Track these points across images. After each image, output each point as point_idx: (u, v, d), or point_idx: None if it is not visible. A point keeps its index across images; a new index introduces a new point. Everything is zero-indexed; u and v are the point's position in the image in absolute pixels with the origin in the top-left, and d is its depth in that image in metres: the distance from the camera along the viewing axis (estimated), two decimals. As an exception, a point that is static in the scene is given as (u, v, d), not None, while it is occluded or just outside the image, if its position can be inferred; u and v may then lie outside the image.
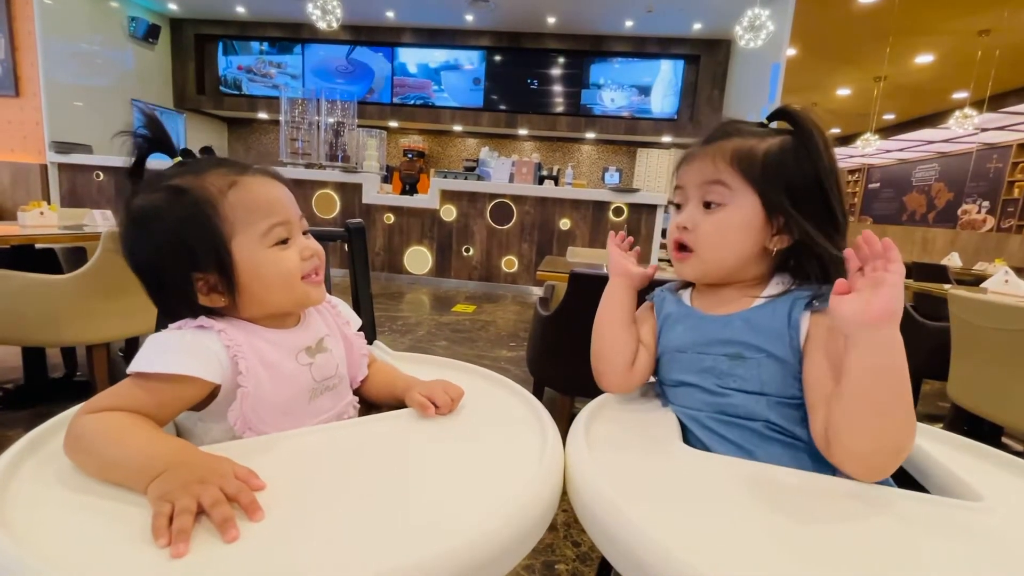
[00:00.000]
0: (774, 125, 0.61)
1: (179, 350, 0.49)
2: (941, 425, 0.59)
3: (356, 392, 0.67)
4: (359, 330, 0.68)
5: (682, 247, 0.62)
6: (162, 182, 0.52)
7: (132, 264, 0.53)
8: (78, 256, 2.11)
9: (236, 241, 0.52)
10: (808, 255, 0.57)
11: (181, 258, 0.51)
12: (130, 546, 0.33)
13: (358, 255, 0.89)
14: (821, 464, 0.53)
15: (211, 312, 0.54)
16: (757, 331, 0.56)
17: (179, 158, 0.56)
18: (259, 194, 0.54)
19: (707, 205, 0.59)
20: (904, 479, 0.56)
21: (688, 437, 0.59)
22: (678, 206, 0.64)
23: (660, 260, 5.32)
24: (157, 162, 0.56)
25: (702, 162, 0.59)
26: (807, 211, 0.56)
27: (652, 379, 0.72)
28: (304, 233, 0.58)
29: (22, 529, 0.34)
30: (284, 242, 0.55)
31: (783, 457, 0.54)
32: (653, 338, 0.67)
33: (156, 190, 0.52)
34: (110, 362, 1.83)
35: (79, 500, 0.38)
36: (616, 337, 0.65)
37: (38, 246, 1.98)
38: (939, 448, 0.57)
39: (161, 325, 0.63)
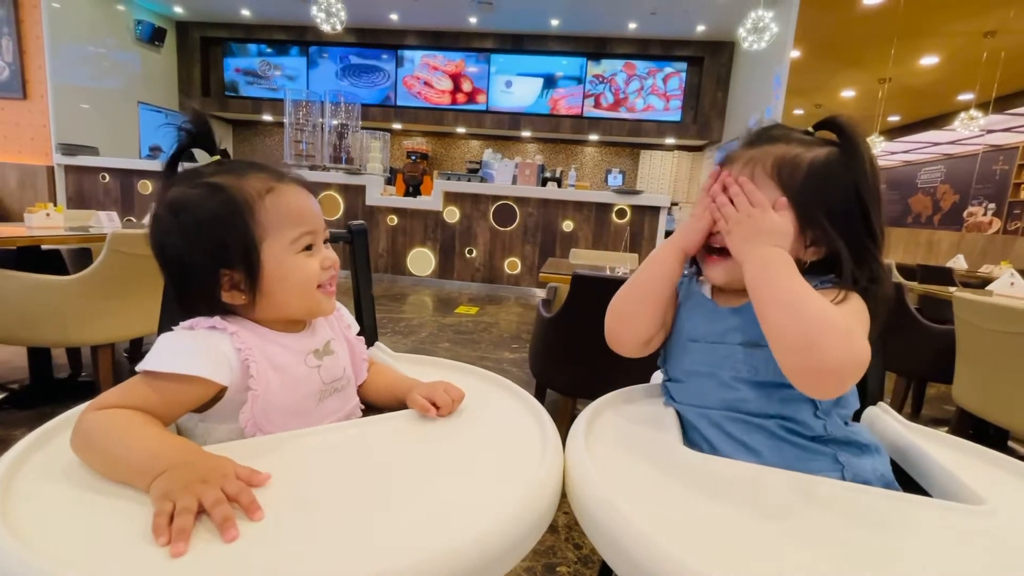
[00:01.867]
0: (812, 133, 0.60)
1: (190, 351, 0.50)
2: (946, 429, 0.59)
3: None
4: (359, 334, 0.69)
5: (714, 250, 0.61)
6: (202, 178, 0.54)
7: (159, 253, 0.54)
8: (84, 257, 2.13)
9: (266, 244, 0.54)
10: (837, 263, 0.56)
11: (211, 252, 0.52)
12: (131, 544, 0.34)
13: (360, 256, 0.89)
14: (828, 466, 0.53)
15: (225, 312, 0.55)
16: None
17: (217, 156, 0.58)
18: (293, 203, 0.56)
19: None
20: (906, 482, 0.56)
21: (695, 436, 0.58)
22: None
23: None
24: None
25: (742, 169, 0.58)
26: (843, 226, 0.54)
27: (656, 379, 0.71)
28: (325, 242, 0.60)
29: (24, 526, 0.34)
30: (308, 248, 0.57)
31: (791, 458, 0.54)
32: (672, 318, 0.66)
33: (195, 185, 0.54)
34: (115, 363, 1.84)
35: (82, 497, 0.39)
36: (655, 307, 0.62)
37: (44, 247, 1.99)
38: (940, 451, 0.57)
39: (164, 325, 0.63)
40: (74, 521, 0.36)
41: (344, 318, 0.69)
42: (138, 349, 2.34)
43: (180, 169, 0.57)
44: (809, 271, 0.57)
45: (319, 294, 0.58)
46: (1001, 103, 6.94)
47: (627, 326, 0.63)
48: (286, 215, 0.55)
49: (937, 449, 0.57)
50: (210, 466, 0.40)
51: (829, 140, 0.58)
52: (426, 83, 7.50)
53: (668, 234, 4.96)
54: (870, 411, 0.68)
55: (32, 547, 0.32)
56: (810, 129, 0.60)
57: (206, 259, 0.52)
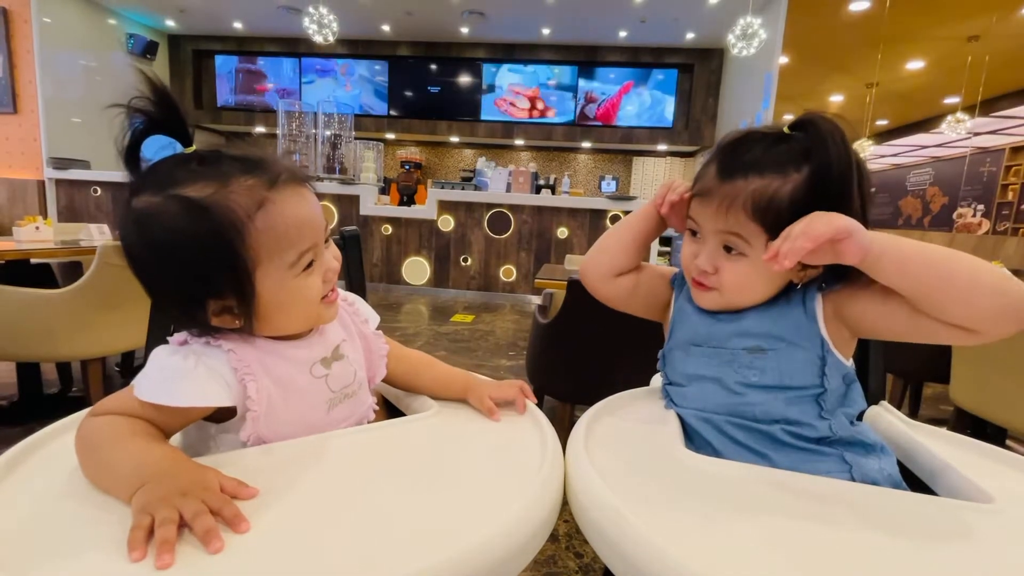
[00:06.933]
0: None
1: (184, 377, 0.45)
2: (945, 429, 0.58)
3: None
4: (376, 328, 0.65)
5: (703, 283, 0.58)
6: (176, 188, 0.44)
7: (133, 270, 0.47)
8: (74, 271, 2.11)
9: (261, 270, 0.46)
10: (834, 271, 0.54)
11: (193, 282, 0.46)
12: (111, 561, 0.32)
13: (353, 263, 0.88)
14: (835, 467, 0.52)
15: (218, 329, 0.49)
16: (774, 320, 0.55)
17: (193, 147, 0.49)
18: (290, 217, 0.47)
19: (727, 248, 0.55)
20: (912, 481, 0.55)
21: (699, 440, 0.57)
22: (693, 232, 0.59)
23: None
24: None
25: (718, 208, 0.54)
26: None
27: (656, 382, 0.70)
28: (325, 241, 0.53)
29: None
30: (310, 265, 0.50)
31: (797, 461, 0.53)
32: (656, 286, 0.69)
33: (167, 197, 0.44)
34: (106, 377, 1.81)
35: (64, 512, 0.37)
36: (627, 246, 0.66)
37: (33, 261, 1.97)
38: (946, 449, 0.56)
39: (152, 341, 0.61)
40: (50, 544, 0.34)
41: (360, 312, 0.64)
42: (130, 362, 2.31)
43: (143, 163, 0.47)
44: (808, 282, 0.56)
45: (321, 307, 0.52)
46: (987, 106, 7.04)
47: (603, 254, 0.67)
48: (284, 234, 0.46)
49: (942, 447, 0.56)
50: (192, 478, 0.38)
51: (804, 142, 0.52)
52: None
53: (664, 240, 4.95)
54: (872, 411, 0.67)
55: (5, 568, 0.31)
56: (786, 130, 0.54)
57: (187, 288, 0.46)
